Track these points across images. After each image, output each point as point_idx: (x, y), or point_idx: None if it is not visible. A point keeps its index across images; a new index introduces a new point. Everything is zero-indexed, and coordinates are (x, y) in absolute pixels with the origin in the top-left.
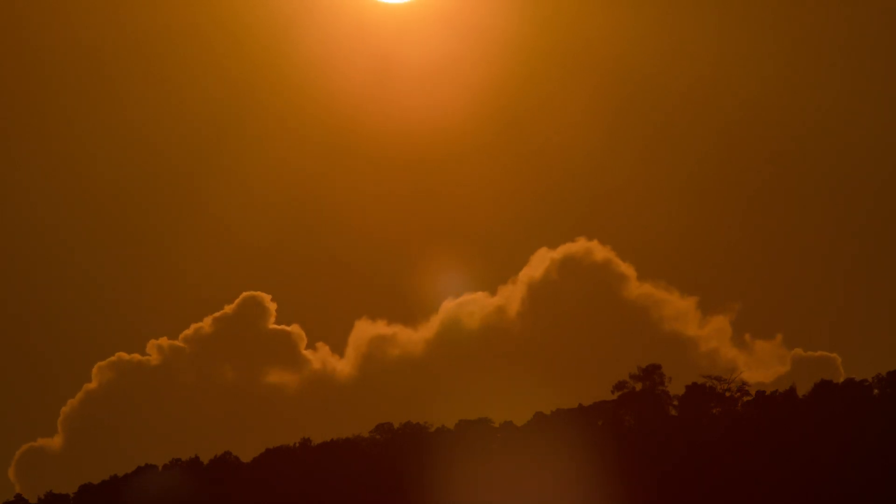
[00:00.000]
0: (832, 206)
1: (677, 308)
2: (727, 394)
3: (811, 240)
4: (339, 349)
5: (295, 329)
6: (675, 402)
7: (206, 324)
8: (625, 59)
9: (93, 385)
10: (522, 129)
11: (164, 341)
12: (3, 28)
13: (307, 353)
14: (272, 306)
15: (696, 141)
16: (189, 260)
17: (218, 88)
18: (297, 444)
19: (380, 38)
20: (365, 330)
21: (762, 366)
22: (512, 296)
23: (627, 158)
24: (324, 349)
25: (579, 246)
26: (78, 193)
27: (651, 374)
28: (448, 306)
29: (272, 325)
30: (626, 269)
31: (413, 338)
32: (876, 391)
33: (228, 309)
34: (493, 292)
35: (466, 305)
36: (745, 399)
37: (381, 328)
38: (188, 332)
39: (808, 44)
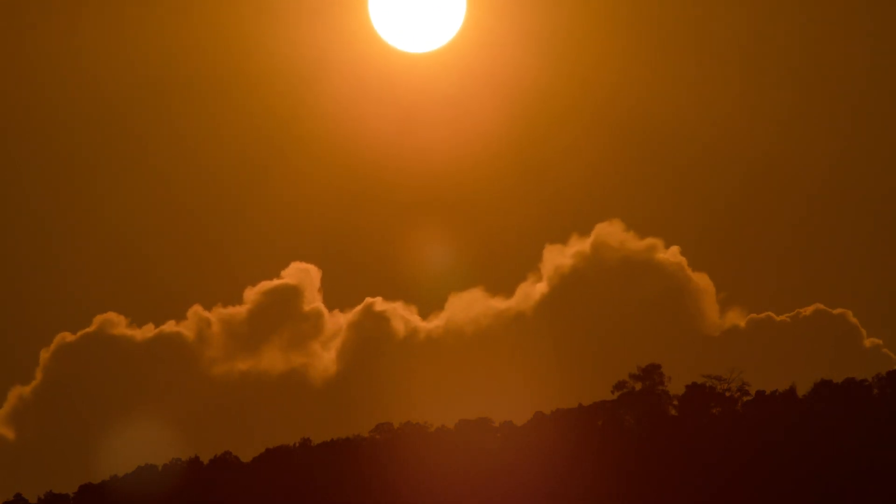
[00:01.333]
0: (855, 254)
1: None
2: (727, 394)
3: (836, 294)
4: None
5: None
6: (675, 402)
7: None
8: (644, 109)
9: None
10: (542, 176)
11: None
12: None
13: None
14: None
15: (715, 191)
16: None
17: (241, 138)
18: (297, 444)
19: (403, 88)
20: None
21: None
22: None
23: (645, 206)
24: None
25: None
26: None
27: (651, 373)
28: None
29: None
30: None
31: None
32: (876, 391)
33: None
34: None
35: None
36: (745, 399)
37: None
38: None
39: (829, 96)
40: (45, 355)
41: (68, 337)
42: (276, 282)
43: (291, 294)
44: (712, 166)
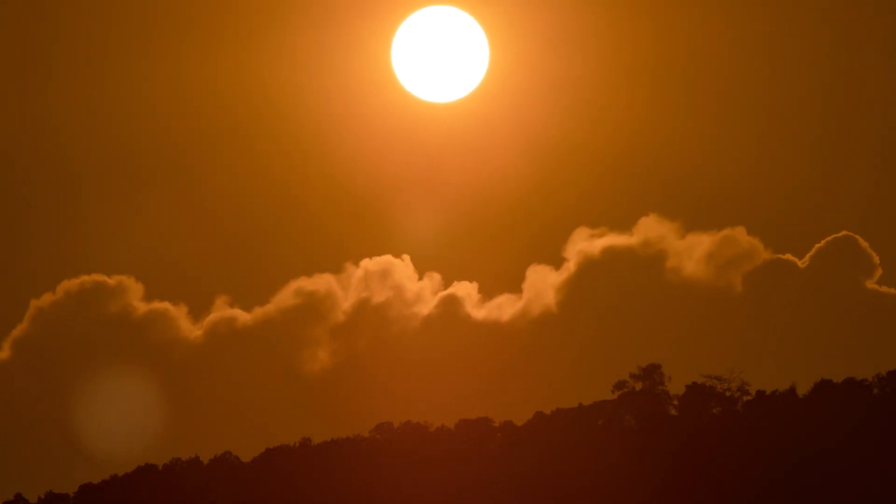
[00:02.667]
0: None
1: None
2: (727, 394)
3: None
4: None
5: None
6: (675, 402)
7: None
8: (666, 157)
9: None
10: (562, 223)
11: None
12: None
13: None
14: None
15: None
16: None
17: (263, 186)
18: (297, 444)
19: (426, 137)
20: None
21: None
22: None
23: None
24: None
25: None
26: None
27: (651, 373)
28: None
29: None
30: None
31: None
32: (876, 391)
33: None
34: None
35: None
36: (745, 399)
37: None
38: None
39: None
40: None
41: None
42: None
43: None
44: (730, 214)
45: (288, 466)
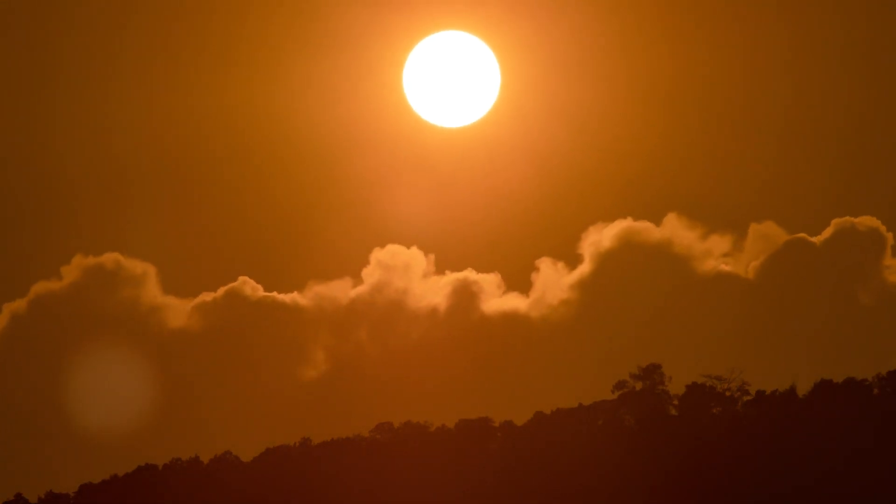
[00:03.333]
0: None
1: None
2: (727, 393)
3: None
4: None
5: None
6: (675, 402)
7: None
8: (681, 179)
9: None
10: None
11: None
12: None
13: None
14: None
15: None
16: None
17: (274, 210)
18: (297, 444)
19: (438, 162)
20: None
21: None
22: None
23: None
24: None
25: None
26: None
27: (651, 373)
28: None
29: None
30: None
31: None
32: (876, 391)
33: None
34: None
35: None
36: (745, 399)
37: None
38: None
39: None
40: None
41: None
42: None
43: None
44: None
45: (288, 466)
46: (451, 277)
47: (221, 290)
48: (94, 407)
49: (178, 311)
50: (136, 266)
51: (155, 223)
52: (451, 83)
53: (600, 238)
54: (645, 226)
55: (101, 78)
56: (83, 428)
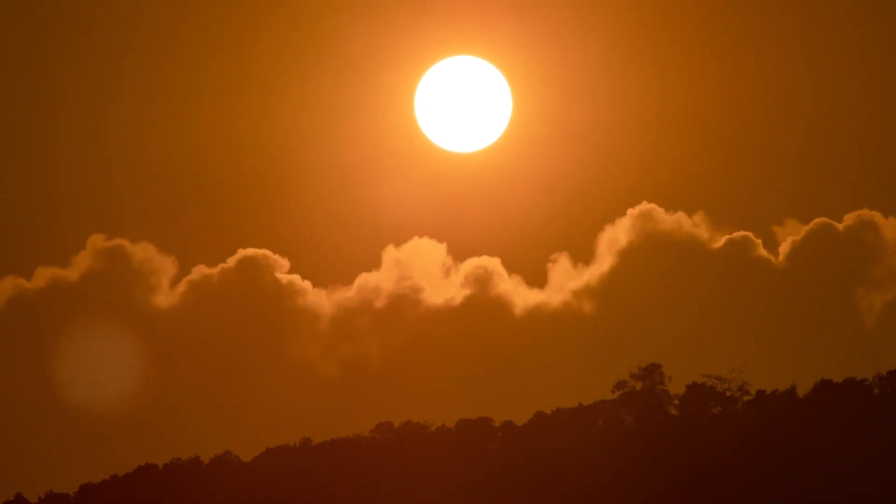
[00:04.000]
0: None
1: None
2: (727, 393)
3: None
4: None
5: None
6: (675, 402)
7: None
8: (695, 205)
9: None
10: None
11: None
12: None
13: None
14: None
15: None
16: None
17: (286, 233)
18: (297, 444)
19: (448, 187)
20: None
21: None
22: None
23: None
24: None
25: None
26: None
27: (651, 373)
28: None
29: None
30: None
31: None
32: (876, 391)
33: None
34: None
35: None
36: (745, 399)
37: None
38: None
39: None
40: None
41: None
42: None
43: None
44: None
45: (288, 466)
46: (468, 265)
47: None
48: (84, 387)
49: (172, 295)
50: (146, 254)
51: (172, 238)
52: (463, 108)
53: (614, 234)
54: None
55: (119, 94)
56: (78, 409)
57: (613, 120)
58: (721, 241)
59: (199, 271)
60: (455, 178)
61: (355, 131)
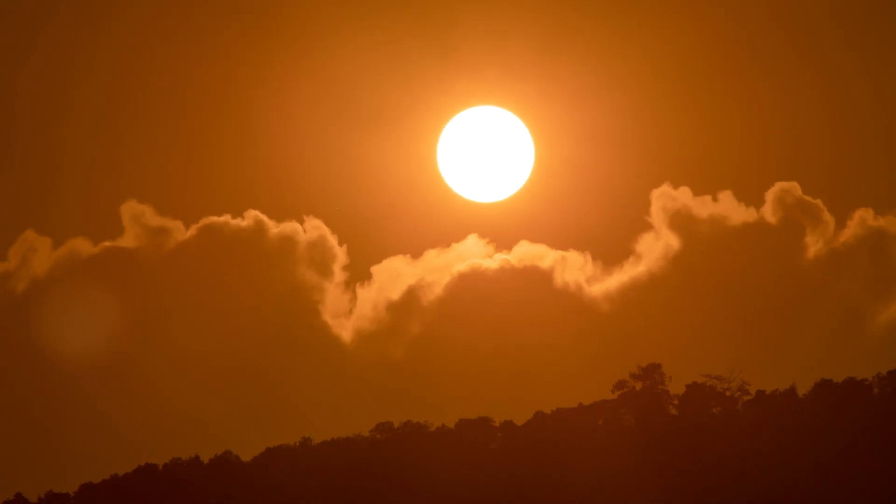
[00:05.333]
0: None
1: None
2: (727, 393)
3: None
4: None
5: None
6: (676, 402)
7: None
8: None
9: None
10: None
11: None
12: None
13: None
14: None
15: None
16: None
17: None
18: (298, 444)
19: (470, 236)
20: None
21: None
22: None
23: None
24: None
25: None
26: None
27: (651, 373)
28: None
29: None
30: None
31: None
32: (876, 391)
33: None
34: None
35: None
36: (745, 399)
37: None
38: None
39: None
40: None
41: None
42: None
43: None
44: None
45: (288, 466)
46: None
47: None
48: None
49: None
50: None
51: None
52: (485, 158)
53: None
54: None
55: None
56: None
57: (635, 172)
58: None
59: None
60: (478, 227)
61: (379, 180)
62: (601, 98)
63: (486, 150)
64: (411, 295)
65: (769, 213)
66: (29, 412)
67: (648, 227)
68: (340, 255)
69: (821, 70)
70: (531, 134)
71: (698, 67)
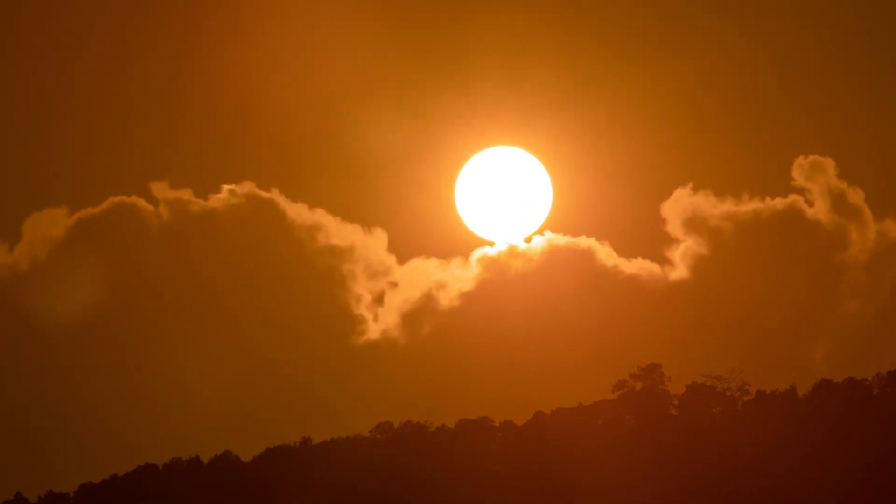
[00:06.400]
0: None
1: None
2: (727, 393)
3: None
4: None
5: None
6: (675, 402)
7: None
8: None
9: None
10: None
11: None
12: None
13: None
14: None
15: None
16: None
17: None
18: (297, 444)
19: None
20: None
21: None
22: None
23: None
24: None
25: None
26: None
27: (651, 373)
28: None
29: None
30: None
31: None
32: (876, 391)
33: None
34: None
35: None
36: (745, 399)
37: None
38: None
39: None
40: None
41: None
42: None
43: None
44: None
45: (288, 466)
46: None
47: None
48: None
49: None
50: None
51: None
52: (504, 198)
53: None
54: None
55: None
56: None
57: (655, 214)
58: None
59: None
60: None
61: (398, 221)
62: (619, 138)
63: (504, 191)
64: (426, 301)
65: (769, 213)
66: (29, 412)
67: (667, 261)
68: (359, 290)
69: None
70: (549, 174)
71: (715, 109)
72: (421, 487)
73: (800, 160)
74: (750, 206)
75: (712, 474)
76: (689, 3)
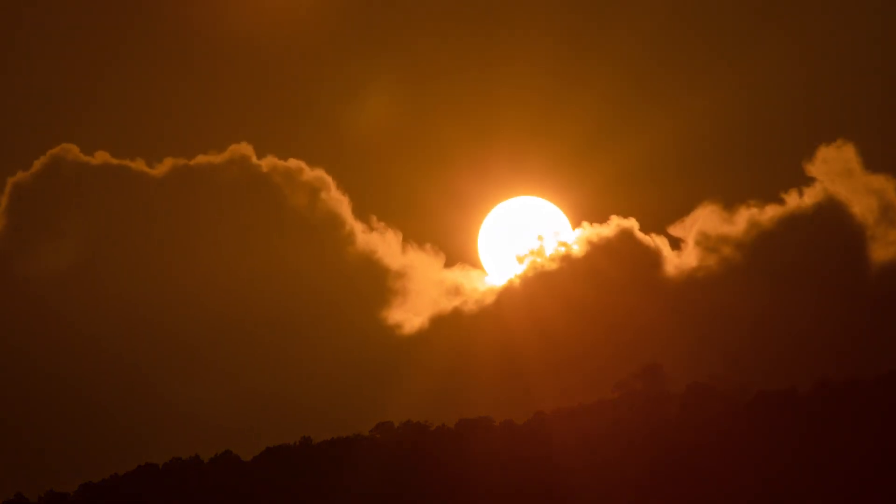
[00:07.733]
0: None
1: None
2: (727, 393)
3: None
4: None
5: None
6: (676, 402)
7: None
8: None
9: None
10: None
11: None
12: None
13: None
14: None
15: None
16: None
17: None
18: (297, 444)
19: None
20: None
21: None
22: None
23: None
24: None
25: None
26: None
27: (651, 373)
28: None
29: None
30: None
31: None
32: (876, 391)
33: None
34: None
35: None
36: (745, 399)
37: None
38: None
39: None
40: None
41: None
42: None
43: None
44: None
45: (288, 466)
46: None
47: None
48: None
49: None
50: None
51: None
52: (526, 248)
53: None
54: None
55: None
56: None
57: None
58: None
59: None
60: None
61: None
62: (642, 187)
63: (527, 241)
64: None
65: (768, 214)
66: (29, 412)
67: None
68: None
69: None
70: (571, 224)
71: (728, 157)
72: (421, 487)
73: (802, 161)
74: (749, 209)
75: (712, 474)
76: (704, 46)
